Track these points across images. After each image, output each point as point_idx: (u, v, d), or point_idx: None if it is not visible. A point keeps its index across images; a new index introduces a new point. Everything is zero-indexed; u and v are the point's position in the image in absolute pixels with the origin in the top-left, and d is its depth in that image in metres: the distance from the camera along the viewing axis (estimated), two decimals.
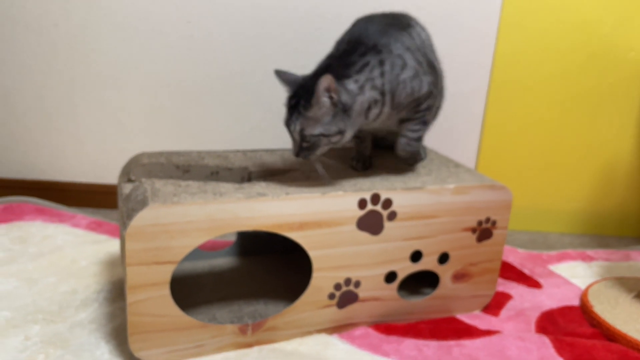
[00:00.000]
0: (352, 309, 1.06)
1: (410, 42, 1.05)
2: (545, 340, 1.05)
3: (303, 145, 0.98)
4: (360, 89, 0.98)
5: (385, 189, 1.01)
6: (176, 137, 1.64)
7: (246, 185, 1.02)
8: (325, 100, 0.94)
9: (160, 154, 1.14)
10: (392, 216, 1.01)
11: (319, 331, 1.05)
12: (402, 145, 1.11)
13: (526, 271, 1.38)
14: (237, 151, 1.23)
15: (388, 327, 1.09)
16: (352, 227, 0.99)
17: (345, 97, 0.97)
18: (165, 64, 1.58)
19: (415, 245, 1.05)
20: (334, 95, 0.94)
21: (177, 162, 1.11)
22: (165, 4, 1.52)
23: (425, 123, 1.10)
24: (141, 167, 1.08)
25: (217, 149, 1.54)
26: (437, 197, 1.04)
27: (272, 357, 0.98)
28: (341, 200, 0.97)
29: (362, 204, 0.99)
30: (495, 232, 1.12)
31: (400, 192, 1.01)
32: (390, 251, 1.04)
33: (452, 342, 1.05)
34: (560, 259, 1.47)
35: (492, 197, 1.09)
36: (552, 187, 1.67)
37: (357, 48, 1.01)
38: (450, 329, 1.10)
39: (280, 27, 1.54)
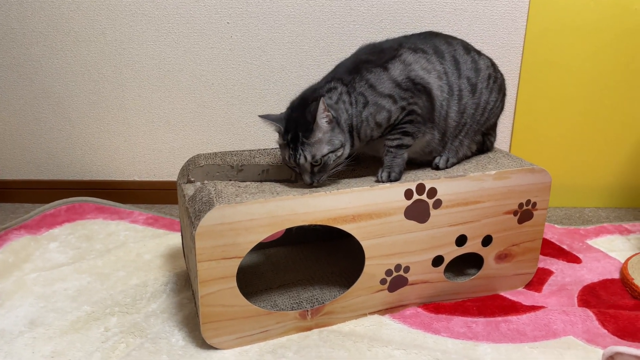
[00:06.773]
0: (402, 292, 1.13)
1: (381, 75, 1.08)
2: (589, 314, 1.11)
3: (314, 171, 1.04)
4: (336, 103, 1.06)
5: (429, 178, 1.07)
6: (221, 134, 1.73)
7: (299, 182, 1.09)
8: (323, 121, 1.03)
9: (215, 154, 1.22)
10: (438, 204, 1.08)
11: (372, 313, 1.13)
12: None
13: (565, 247, 1.42)
14: None
15: (436, 306, 1.16)
16: (400, 216, 1.06)
17: (333, 111, 1.05)
18: (207, 65, 1.65)
19: (460, 231, 1.12)
20: (328, 114, 1.03)
21: (231, 162, 1.19)
22: (205, 7, 1.59)
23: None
24: (199, 169, 1.17)
25: (265, 147, 1.62)
26: (479, 183, 1.10)
27: (332, 338, 1.06)
28: (389, 192, 1.04)
29: (408, 194, 1.05)
30: (536, 213, 1.17)
31: (443, 180, 1.07)
32: (436, 237, 1.10)
33: (499, 318, 1.11)
34: (598, 233, 1.51)
35: (531, 180, 1.14)
36: (586, 163, 1.70)
37: (326, 78, 1.11)
38: (496, 306, 1.16)
39: (317, 25, 1.59)
